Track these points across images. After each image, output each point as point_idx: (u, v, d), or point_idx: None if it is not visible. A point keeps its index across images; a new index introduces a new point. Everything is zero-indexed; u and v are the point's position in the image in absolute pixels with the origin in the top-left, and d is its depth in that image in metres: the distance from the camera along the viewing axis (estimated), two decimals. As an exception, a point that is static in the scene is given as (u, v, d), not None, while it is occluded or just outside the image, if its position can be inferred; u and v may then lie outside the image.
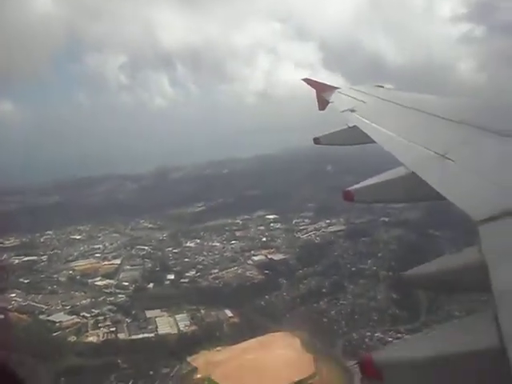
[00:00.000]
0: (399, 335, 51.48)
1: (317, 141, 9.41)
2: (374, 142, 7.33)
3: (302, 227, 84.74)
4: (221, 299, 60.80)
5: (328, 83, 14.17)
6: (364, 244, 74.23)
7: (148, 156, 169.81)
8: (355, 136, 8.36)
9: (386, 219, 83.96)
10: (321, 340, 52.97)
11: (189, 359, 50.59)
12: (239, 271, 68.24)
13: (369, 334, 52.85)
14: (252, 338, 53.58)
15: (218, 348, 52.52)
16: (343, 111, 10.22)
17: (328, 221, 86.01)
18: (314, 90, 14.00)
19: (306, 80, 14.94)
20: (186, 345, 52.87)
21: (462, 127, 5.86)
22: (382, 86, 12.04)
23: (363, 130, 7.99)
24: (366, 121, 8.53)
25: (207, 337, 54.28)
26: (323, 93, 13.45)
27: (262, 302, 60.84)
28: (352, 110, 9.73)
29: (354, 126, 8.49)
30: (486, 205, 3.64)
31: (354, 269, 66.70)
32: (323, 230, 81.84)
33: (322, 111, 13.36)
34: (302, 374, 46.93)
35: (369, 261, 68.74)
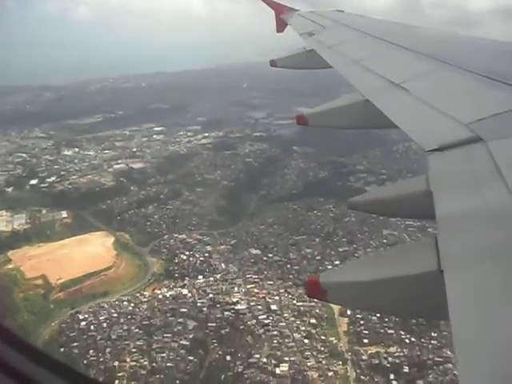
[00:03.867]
0: (204, 237, 56.84)
1: (273, 63, 9.28)
2: (330, 67, 7.24)
3: (181, 139, 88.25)
4: (65, 202, 65.35)
5: (288, 5, 13.79)
6: (224, 156, 78.36)
7: (76, 67, 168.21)
8: (312, 60, 8.29)
9: (259, 134, 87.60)
10: (135, 240, 58.27)
11: (9, 253, 55.82)
12: (96, 178, 72.36)
13: (181, 236, 57.61)
14: (75, 236, 58.69)
15: (40, 244, 57.67)
16: (301, 34, 10.01)
17: (207, 134, 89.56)
18: (273, 11, 13.47)
19: (265, 0, 14.09)
20: (14, 241, 57.94)
21: (426, 59, 5.79)
22: (343, 11, 11.85)
23: (321, 55, 7.83)
24: (325, 45, 8.35)
25: (36, 234, 59.21)
26: (282, 14, 13.06)
27: (103, 206, 65.48)
28: (310, 34, 9.54)
29: (312, 50, 8.37)
30: (436, 135, 3.74)
31: (199, 178, 71.20)
32: (195, 142, 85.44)
33: (280, 33, 12.97)
34: (99, 267, 52.37)
35: (218, 171, 73.10)
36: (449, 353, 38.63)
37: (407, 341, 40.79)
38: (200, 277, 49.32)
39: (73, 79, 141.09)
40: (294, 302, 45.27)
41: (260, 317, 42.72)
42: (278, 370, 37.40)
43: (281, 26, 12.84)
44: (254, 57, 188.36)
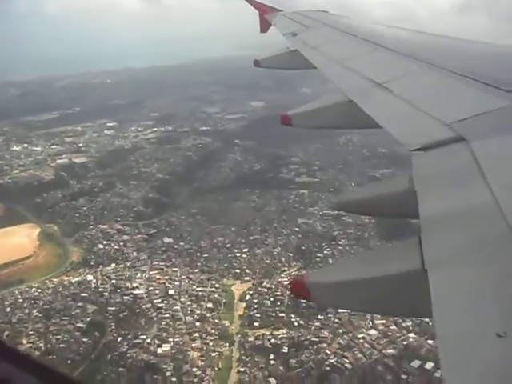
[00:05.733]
0: (124, 228, 58.72)
1: (257, 63, 9.26)
2: (314, 67, 7.26)
3: (129, 134, 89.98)
4: (1, 196, 67.06)
5: (271, 5, 13.86)
6: (165, 150, 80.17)
7: (45, 62, 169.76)
8: (296, 60, 8.29)
9: (205, 128, 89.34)
10: (62, 231, 60.14)
11: None
12: (37, 172, 74.16)
13: (103, 227, 59.53)
14: (3, 228, 60.50)
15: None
16: (285, 34, 10.09)
17: (156, 129, 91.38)
18: (257, 11, 13.54)
19: (249, 0, 14.08)
20: None
21: (408, 60, 5.84)
22: (327, 12, 11.88)
23: (304, 55, 7.87)
24: (308, 46, 8.39)
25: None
26: (266, 15, 13.10)
27: (38, 199, 67.24)
28: (294, 34, 9.60)
29: (296, 51, 8.40)
30: (419, 135, 3.78)
31: (136, 172, 73.02)
32: (142, 136, 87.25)
33: (263, 33, 13.08)
34: (18, 256, 54.24)
35: (155, 165, 74.94)
36: (326, 333, 40.76)
37: (296, 323, 42.64)
38: (113, 264, 51.20)
39: (41, 75, 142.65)
40: (194, 287, 47.15)
41: (155, 301, 44.68)
42: (159, 350, 39.23)
43: (265, 26, 12.93)
44: (231, 51, 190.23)
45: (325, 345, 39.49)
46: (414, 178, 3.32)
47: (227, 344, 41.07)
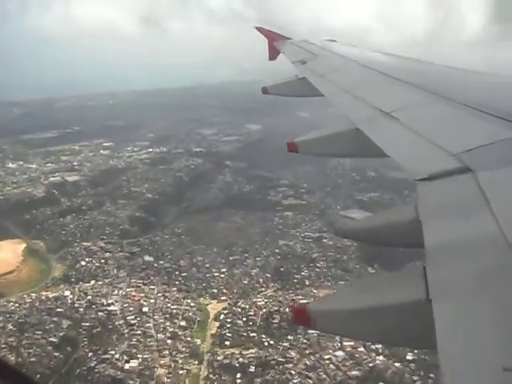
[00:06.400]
0: (107, 245, 59.53)
1: (265, 90, 9.31)
2: (322, 95, 7.33)
3: (124, 154, 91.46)
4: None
5: (280, 33, 14.10)
6: (157, 170, 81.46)
7: (49, 83, 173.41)
8: (304, 88, 8.35)
9: (199, 149, 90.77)
10: (47, 247, 61.06)
11: None
12: (29, 189, 75.46)
13: (87, 244, 60.36)
14: (-7, 243, 61.45)
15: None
16: (294, 62, 10.17)
17: (151, 149, 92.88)
18: (266, 39, 13.76)
19: (259, 28, 14.49)
20: None
21: (416, 90, 5.92)
22: (335, 41, 12.06)
23: (312, 83, 7.95)
24: (316, 74, 8.48)
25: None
26: (275, 42, 13.28)
27: (28, 216, 68.33)
28: (303, 62, 9.71)
29: (304, 78, 8.47)
30: (425, 165, 3.84)
31: (126, 191, 74.16)
32: (136, 156, 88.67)
33: (272, 61, 13.22)
34: (1, 271, 55.10)
35: (146, 185, 76.09)
36: (293, 353, 41.03)
37: (266, 343, 42.95)
38: (92, 281, 51.89)
39: (44, 96, 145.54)
40: (169, 305, 47.63)
41: (129, 318, 45.16)
42: (127, 366, 39.66)
43: (273, 53, 13.07)
44: (235, 76, 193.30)
45: (291, 365, 39.70)
46: (420, 208, 3.34)
47: (196, 362, 41.37)
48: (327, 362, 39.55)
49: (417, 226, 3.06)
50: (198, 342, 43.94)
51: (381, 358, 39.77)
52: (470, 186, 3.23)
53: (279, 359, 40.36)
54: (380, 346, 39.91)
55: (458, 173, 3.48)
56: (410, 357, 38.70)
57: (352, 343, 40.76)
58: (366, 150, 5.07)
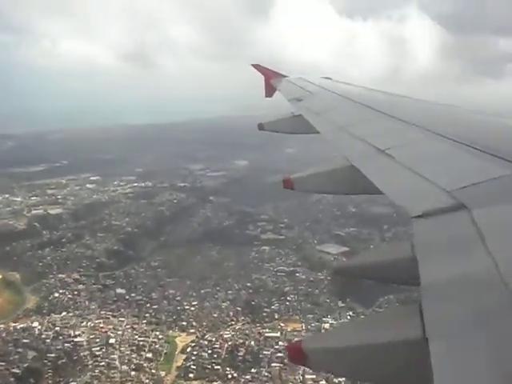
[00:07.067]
0: (81, 278, 60.04)
1: (261, 127, 9.46)
2: (317, 132, 7.42)
3: (109, 188, 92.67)
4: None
5: (277, 71, 14.25)
6: (139, 205, 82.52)
7: (44, 116, 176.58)
8: (299, 125, 8.44)
9: (183, 184, 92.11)
10: (23, 279, 61.48)
11: None
12: (11, 222, 76.29)
13: (62, 276, 60.82)
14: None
15: None
16: (290, 100, 10.34)
17: (136, 184, 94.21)
18: (263, 77, 13.95)
19: (256, 66, 14.54)
20: None
21: (411, 128, 5.98)
22: (330, 78, 12.23)
23: (308, 120, 8.06)
24: (312, 111, 8.62)
25: None
26: (271, 80, 13.45)
27: (7, 247, 68.84)
28: (299, 99, 9.91)
29: (300, 115, 8.60)
30: (420, 202, 3.84)
31: (106, 224, 74.98)
32: (121, 191, 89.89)
33: (269, 98, 13.44)
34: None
35: (126, 218, 77.01)
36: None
37: (229, 376, 43.09)
38: (63, 313, 52.21)
39: (38, 128, 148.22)
40: (137, 337, 47.85)
41: (94, 349, 45.32)
42: (87, 397, 39.73)
43: (270, 90, 13.28)
44: (228, 112, 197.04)
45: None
46: (415, 245, 3.35)
47: (158, 394, 41.44)
48: (287, 395, 39.61)
49: (413, 264, 3.07)
50: (163, 374, 44.05)
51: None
52: (464, 222, 3.24)
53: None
54: (343, 379, 39.85)
55: (453, 210, 3.48)
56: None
57: (313, 376, 40.88)
58: (360, 187, 5.12)
